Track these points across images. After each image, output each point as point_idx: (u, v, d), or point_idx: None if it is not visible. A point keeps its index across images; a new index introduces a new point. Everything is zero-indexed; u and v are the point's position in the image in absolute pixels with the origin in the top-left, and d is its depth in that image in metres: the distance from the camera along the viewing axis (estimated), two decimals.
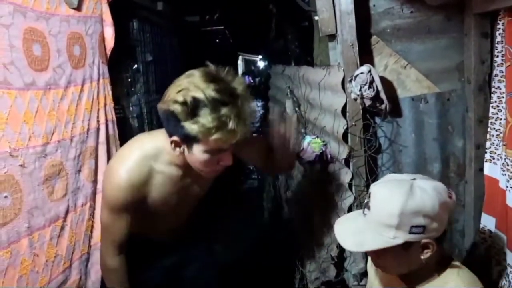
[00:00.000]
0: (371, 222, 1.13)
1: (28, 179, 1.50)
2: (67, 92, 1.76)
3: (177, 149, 1.33)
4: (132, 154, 1.41)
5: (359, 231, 1.15)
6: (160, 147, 1.41)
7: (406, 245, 1.10)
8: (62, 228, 1.67)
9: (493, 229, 1.62)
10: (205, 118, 1.19)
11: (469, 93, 1.78)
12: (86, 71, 1.92)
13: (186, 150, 1.32)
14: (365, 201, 1.18)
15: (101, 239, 1.65)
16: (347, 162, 1.80)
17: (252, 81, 15.37)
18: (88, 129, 1.90)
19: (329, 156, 1.84)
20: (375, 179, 1.78)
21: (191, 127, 1.21)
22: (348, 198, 1.80)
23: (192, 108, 1.19)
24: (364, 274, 1.83)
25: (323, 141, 1.81)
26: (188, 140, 1.27)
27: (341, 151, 1.81)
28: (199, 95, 1.19)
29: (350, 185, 1.80)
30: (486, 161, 1.67)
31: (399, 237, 1.08)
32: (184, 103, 1.20)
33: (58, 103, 1.70)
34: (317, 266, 2.05)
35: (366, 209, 1.16)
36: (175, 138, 1.29)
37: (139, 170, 1.38)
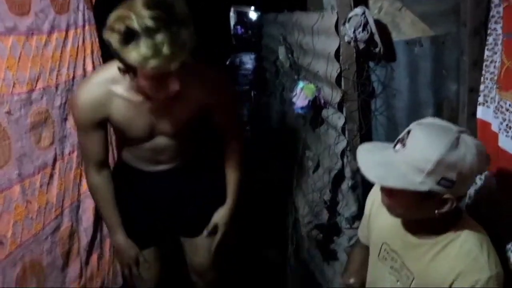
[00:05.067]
0: (401, 160, 1.08)
1: (15, 126, 1.48)
2: (50, 38, 1.71)
3: (126, 75, 1.33)
4: (92, 77, 1.52)
5: (386, 163, 1.10)
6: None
7: (427, 194, 1.06)
8: (51, 176, 1.68)
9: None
10: (139, 47, 1.17)
11: (464, 36, 1.74)
12: (71, 17, 1.85)
13: (132, 75, 1.32)
14: (400, 137, 1.12)
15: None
16: (340, 107, 1.78)
17: (244, 32, 15.06)
18: (73, 77, 1.86)
19: (322, 101, 1.83)
20: (368, 123, 1.77)
21: (127, 56, 1.20)
22: (341, 143, 1.80)
23: (126, 37, 1.18)
24: (356, 218, 1.86)
25: (316, 86, 1.78)
26: (129, 68, 1.27)
27: (334, 96, 1.79)
28: (133, 24, 1.16)
29: (343, 130, 1.79)
30: (479, 105, 1.66)
31: (426, 184, 1.04)
32: (118, 32, 1.18)
33: (41, 49, 1.65)
34: (310, 210, 2.09)
35: (399, 145, 1.11)
36: (120, 65, 1.30)
37: (95, 91, 1.46)
